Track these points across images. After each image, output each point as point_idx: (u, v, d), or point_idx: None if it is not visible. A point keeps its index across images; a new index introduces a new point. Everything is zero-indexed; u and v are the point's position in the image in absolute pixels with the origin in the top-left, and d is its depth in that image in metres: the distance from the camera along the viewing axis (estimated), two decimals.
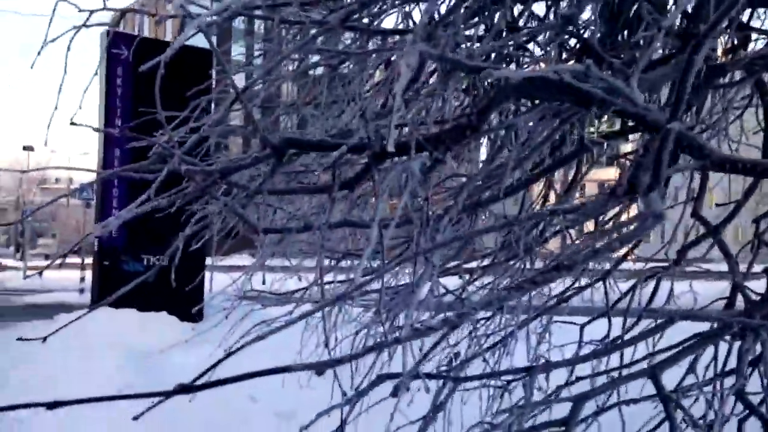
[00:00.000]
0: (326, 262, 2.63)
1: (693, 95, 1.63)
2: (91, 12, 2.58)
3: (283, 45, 2.47)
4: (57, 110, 2.60)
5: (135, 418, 1.08)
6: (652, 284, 2.95)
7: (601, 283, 2.84)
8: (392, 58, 2.39)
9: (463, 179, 2.19)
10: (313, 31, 1.93)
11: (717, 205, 2.56)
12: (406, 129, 2.08)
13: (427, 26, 1.82)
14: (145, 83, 2.16)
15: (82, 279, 18.81)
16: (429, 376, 1.87)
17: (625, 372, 2.02)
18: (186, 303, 3.06)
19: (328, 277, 2.62)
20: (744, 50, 2.96)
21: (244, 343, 1.14)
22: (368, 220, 1.77)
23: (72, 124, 1.46)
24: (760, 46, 2.71)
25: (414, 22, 2.91)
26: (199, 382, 1.13)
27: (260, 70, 3.88)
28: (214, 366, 1.15)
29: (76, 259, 20.70)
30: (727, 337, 1.91)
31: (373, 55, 2.84)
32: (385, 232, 1.23)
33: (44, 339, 1.57)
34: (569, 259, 0.95)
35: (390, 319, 2.19)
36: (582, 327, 2.87)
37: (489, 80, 1.44)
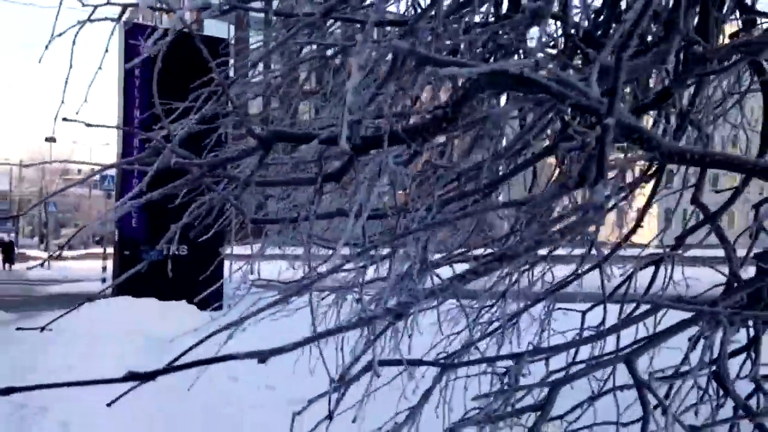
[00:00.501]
0: (324, 251, 2.67)
1: (675, 84, 1.63)
2: (95, 7, 2.63)
3: (275, 36, 2.50)
4: (64, 104, 2.66)
5: (108, 405, 1.13)
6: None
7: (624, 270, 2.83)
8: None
9: (461, 170, 2.21)
10: (295, 27, 1.96)
11: (716, 191, 2.54)
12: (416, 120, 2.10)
13: (416, 17, 1.84)
14: (161, 74, 2.20)
15: (104, 269, 19.19)
16: (419, 363, 1.91)
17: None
18: (205, 292, 3.12)
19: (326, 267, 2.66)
20: (750, 34, 2.92)
21: (205, 335, 1.18)
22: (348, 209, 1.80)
23: (64, 120, 1.51)
24: (763, 30, 2.67)
25: (421, 9, 2.92)
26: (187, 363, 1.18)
27: (262, 61, 3.90)
28: (184, 353, 1.19)
29: (99, 250, 21.11)
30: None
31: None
32: (360, 221, 1.27)
33: (42, 329, 1.64)
34: (511, 249, 0.97)
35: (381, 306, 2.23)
36: (584, 313, 2.88)
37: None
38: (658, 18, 1.65)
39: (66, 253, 40.77)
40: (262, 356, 1.01)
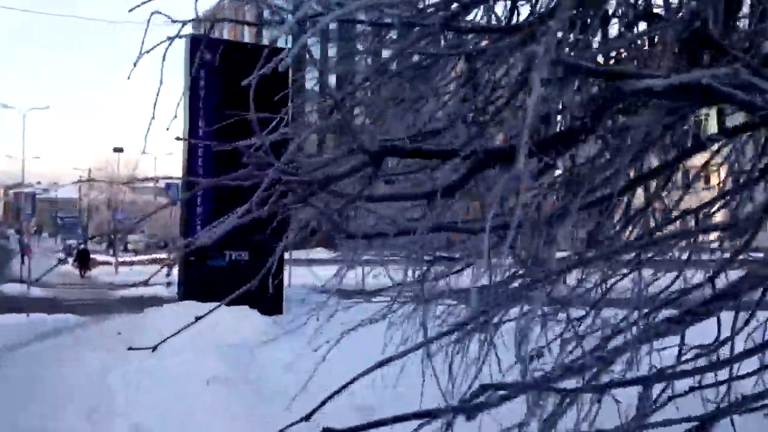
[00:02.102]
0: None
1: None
2: (184, 23, 2.62)
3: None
4: (154, 119, 2.68)
5: None
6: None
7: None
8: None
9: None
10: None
11: None
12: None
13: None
14: (232, 86, 2.16)
15: (169, 274, 19.71)
16: (531, 387, 1.78)
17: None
18: (267, 297, 3.09)
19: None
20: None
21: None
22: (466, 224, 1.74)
23: (177, 139, 1.49)
24: None
25: (497, 17, 2.81)
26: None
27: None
28: None
29: (164, 255, 21.85)
30: None
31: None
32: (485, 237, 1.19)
33: (154, 348, 1.63)
34: (559, 268, 0.88)
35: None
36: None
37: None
38: None
39: (131, 258, 42.35)
40: (469, 411, 0.94)
